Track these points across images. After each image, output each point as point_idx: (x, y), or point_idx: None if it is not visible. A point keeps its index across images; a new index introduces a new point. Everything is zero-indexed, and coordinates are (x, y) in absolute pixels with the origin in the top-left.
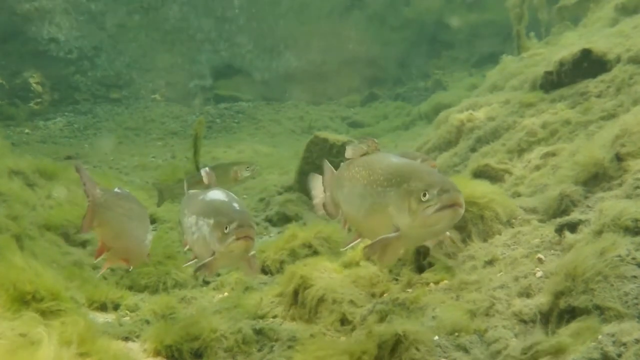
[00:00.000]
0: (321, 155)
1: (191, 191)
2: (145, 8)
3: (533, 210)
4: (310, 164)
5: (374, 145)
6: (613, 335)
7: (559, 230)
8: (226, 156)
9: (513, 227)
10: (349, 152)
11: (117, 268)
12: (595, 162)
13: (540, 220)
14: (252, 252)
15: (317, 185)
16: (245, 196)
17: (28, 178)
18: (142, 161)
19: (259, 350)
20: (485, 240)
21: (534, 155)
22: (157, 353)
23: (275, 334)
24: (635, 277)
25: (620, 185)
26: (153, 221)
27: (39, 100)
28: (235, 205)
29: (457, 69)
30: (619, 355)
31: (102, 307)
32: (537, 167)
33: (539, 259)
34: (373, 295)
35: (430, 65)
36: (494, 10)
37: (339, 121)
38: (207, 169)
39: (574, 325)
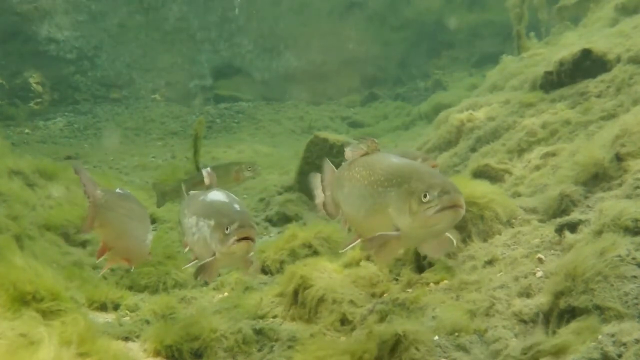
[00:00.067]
0: (321, 155)
1: (191, 192)
2: (146, 8)
3: (533, 210)
4: (310, 164)
5: (374, 145)
6: (613, 335)
7: (559, 230)
8: (226, 156)
9: (513, 227)
10: (347, 154)
11: (117, 268)
12: (595, 162)
13: (540, 220)
14: (252, 253)
15: (320, 185)
16: (245, 196)
17: (28, 178)
18: (142, 161)
19: (259, 350)
20: (485, 240)
21: (534, 155)
22: (157, 353)
23: (275, 334)
24: (635, 277)
25: (620, 185)
26: (153, 221)
27: (39, 100)
28: (236, 206)
29: (457, 69)
30: (619, 355)
31: (102, 307)
32: (537, 167)
33: (539, 259)
34: (373, 295)
35: (430, 65)
36: (494, 10)
37: (339, 121)
38: (208, 169)
39: (574, 325)
